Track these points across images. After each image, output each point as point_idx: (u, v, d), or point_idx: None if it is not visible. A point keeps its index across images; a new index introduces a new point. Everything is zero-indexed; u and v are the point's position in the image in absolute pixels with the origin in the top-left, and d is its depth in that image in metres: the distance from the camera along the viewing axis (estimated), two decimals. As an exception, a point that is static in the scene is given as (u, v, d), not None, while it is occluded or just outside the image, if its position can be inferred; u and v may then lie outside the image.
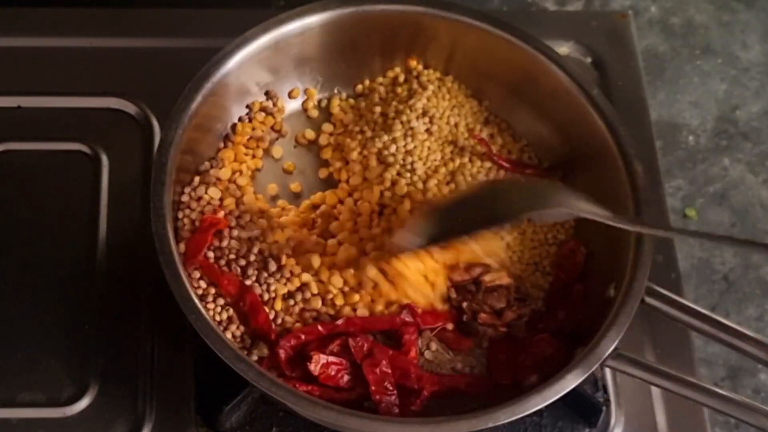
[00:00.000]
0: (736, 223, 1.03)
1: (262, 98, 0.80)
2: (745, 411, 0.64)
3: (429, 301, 0.72)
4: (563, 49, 0.88)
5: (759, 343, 0.65)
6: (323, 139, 0.81)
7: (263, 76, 0.78)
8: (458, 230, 0.69)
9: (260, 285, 0.70)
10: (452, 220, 0.69)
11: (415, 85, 0.80)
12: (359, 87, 0.83)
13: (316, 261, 0.71)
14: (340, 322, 0.69)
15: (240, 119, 0.79)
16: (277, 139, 0.81)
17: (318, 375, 0.67)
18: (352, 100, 0.83)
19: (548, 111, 0.78)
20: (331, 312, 0.70)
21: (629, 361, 0.65)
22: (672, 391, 0.65)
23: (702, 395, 0.65)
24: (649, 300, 0.67)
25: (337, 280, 0.70)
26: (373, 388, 0.66)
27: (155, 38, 0.87)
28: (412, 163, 0.77)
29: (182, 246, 0.69)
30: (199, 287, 0.69)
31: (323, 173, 0.80)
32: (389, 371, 0.67)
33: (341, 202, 0.76)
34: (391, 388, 0.67)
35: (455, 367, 0.71)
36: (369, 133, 0.79)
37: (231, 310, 0.69)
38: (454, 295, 0.72)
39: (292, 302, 0.70)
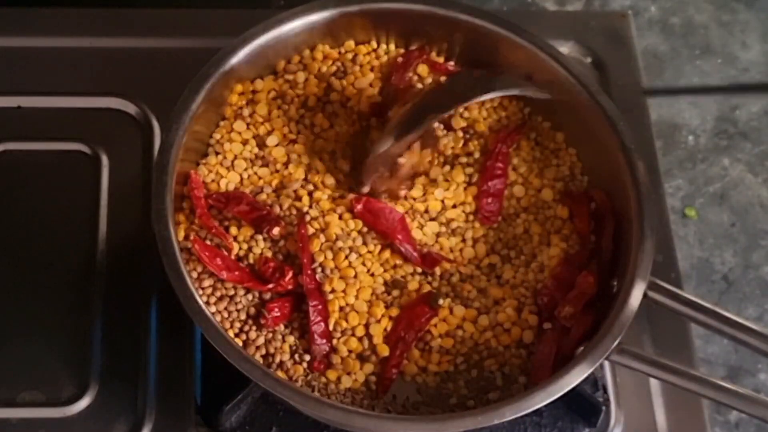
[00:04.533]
0: (736, 222, 1.03)
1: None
2: (748, 403, 0.64)
3: None
4: (563, 49, 0.88)
5: (761, 335, 0.65)
6: None
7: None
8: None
9: None
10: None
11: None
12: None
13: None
14: None
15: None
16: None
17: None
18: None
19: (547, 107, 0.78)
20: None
21: (633, 356, 0.65)
22: (676, 385, 0.65)
23: (706, 388, 0.65)
24: (651, 294, 0.67)
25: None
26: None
27: (155, 38, 0.87)
28: None
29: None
30: (201, 287, 0.69)
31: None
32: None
33: None
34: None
35: None
36: None
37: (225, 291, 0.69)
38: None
39: None
